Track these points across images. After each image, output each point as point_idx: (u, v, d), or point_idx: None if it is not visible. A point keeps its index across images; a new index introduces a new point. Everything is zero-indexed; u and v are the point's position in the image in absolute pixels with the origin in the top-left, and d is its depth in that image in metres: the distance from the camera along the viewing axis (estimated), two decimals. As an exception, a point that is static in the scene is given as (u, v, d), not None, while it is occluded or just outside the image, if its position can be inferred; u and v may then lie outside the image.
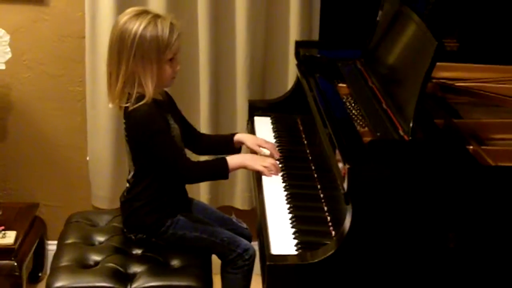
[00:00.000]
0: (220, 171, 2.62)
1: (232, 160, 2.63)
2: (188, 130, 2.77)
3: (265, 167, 2.60)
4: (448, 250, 2.05)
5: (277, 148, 2.78)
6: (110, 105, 2.62)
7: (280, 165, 2.65)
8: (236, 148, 2.82)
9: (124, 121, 2.61)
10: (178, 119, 2.69)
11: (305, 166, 2.69)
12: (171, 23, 2.52)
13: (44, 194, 3.54)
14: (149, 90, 2.51)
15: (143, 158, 2.60)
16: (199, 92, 3.34)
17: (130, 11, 2.55)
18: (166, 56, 2.52)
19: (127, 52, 2.49)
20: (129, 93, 2.55)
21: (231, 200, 3.51)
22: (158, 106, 2.56)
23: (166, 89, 2.73)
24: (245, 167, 2.67)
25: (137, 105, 2.51)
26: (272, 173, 2.60)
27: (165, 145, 2.54)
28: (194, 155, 2.90)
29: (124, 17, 2.52)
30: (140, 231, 2.65)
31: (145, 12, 2.53)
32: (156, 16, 2.52)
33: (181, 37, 2.56)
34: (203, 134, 2.90)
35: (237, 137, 2.81)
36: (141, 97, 2.52)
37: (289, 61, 3.34)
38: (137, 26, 2.48)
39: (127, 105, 2.55)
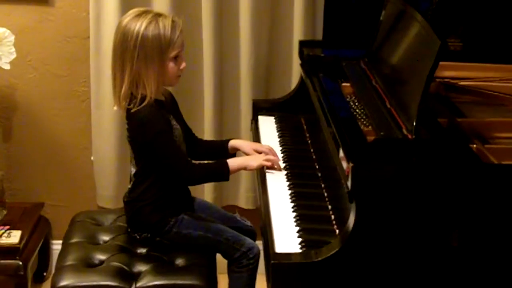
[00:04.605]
0: (221, 173, 2.61)
1: (233, 162, 2.63)
2: (187, 133, 2.76)
3: (266, 160, 2.61)
4: (451, 248, 2.05)
5: (278, 149, 2.78)
6: (115, 108, 2.61)
7: (284, 164, 2.66)
8: (231, 154, 2.79)
9: (126, 121, 2.62)
10: (180, 119, 2.70)
11: (309, 165, 2.69)
12: (172, 21, 2.53)
13: (49, 193, 3.54)
14: (152, 90, 2.51)
15: (145, 158, 2.61)
16: (203, 91, 3.35)
17: (131, 12, 2.55)
18: (169, 54, 2.52)
19: (131, 53, 2.50)
20: (132, 94, 2.55)
21: (235, 199, 3.52)
22: (160, 107, 2.57)
23: (170, 89, 2.74)
24: (245, 168, 2.66)
25: (139, 106, 2.51)
26: (274, 166, 2.60)
27: (166, 147, 2.54)
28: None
29: (126, 19, 2.53)
30: (144, 230, 2.66)
31: (145, 12, 2.53)
32: (157, 15, 2.53)
33: (183, 34, 2.56)
34: (200, 139, 2.87)
35: (232, 143, 2.79)
36: (144, 98, 2.52)
37: (293, 61, 3.34)
38: (139, 26, 2.49)
39: (130, 106, 2.55)
